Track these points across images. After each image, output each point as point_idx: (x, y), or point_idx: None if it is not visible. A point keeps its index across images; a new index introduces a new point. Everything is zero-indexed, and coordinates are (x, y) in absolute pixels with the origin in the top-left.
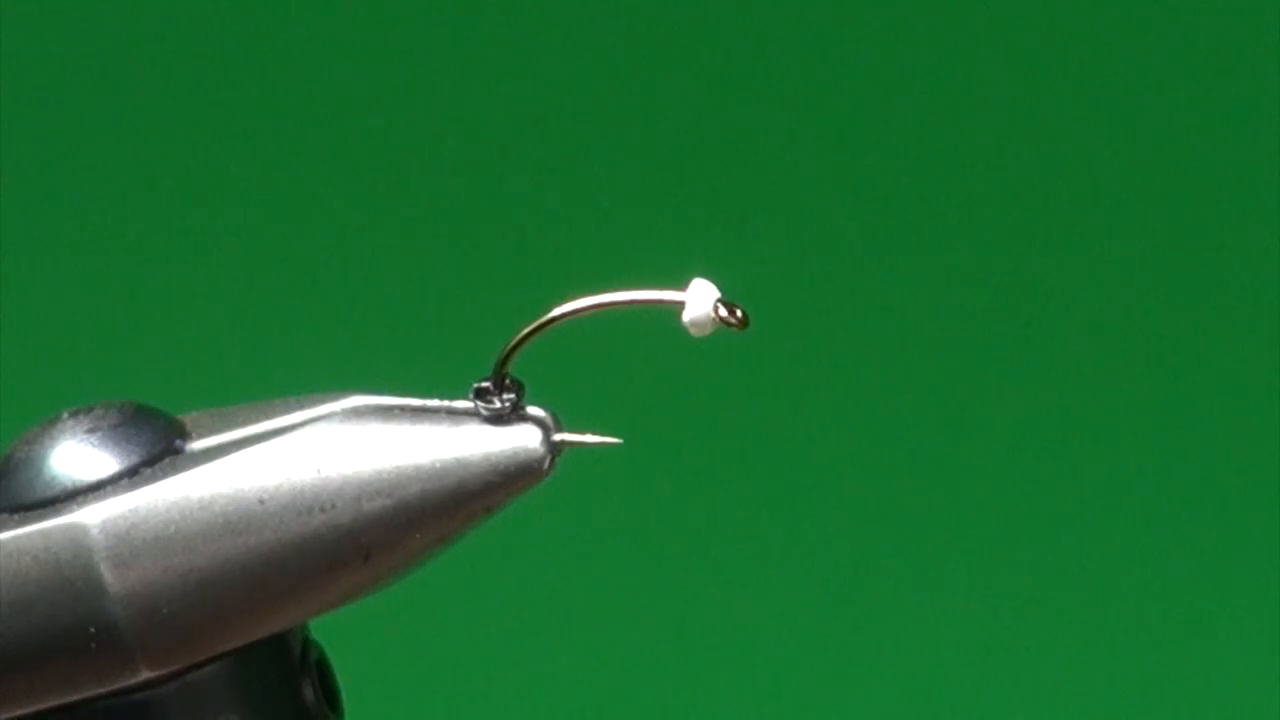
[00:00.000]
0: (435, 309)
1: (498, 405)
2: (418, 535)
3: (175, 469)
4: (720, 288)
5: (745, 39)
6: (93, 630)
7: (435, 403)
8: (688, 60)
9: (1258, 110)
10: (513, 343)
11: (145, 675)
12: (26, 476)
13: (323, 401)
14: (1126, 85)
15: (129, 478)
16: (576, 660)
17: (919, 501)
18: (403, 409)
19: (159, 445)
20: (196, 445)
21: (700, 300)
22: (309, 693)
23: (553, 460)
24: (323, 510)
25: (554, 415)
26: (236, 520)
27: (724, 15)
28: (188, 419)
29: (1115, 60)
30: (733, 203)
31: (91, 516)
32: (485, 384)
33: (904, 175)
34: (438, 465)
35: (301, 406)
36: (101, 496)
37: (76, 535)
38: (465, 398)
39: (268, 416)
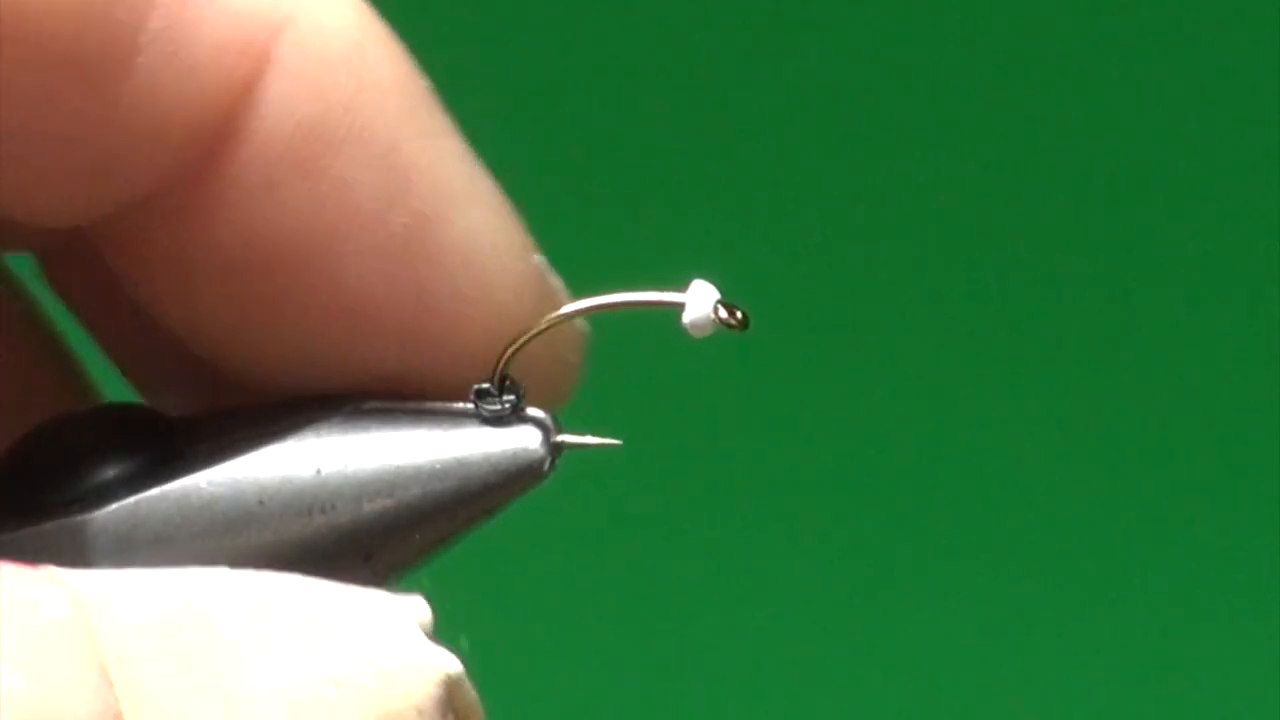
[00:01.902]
0: None
1: (498, 407)
2: (418, 536)
3: (175, 469)
4: (720, 289)
5: (746, 39)
6: None
7: (435, 404)
8: (688, 61)
9: (1258, 110)
10: (512, 344)
11: None
12: (28, 477)
13: (323, 402)
14: (1125, 84)
15: (129, 478)
16: (576, 660)
17: (919, 501)
18: (403, 410)
19: (159, 445)
20: (196, 445)
21: (700, 302)
22: None
23: (553, 462)
24: (323, 511)
25: (554, 417)
26: (236, 520)
27: (724, 15)
28: (188, 419)
29: (1116, 60)
30: (732, 203)
31: (92, 516)
32: (485, 386)
33: (904, 176)
34: (438, 466)
35: (301, 407)
36: (102, 496)
37: (77, 535)
38: (465, 399)
39: (268, 416)
